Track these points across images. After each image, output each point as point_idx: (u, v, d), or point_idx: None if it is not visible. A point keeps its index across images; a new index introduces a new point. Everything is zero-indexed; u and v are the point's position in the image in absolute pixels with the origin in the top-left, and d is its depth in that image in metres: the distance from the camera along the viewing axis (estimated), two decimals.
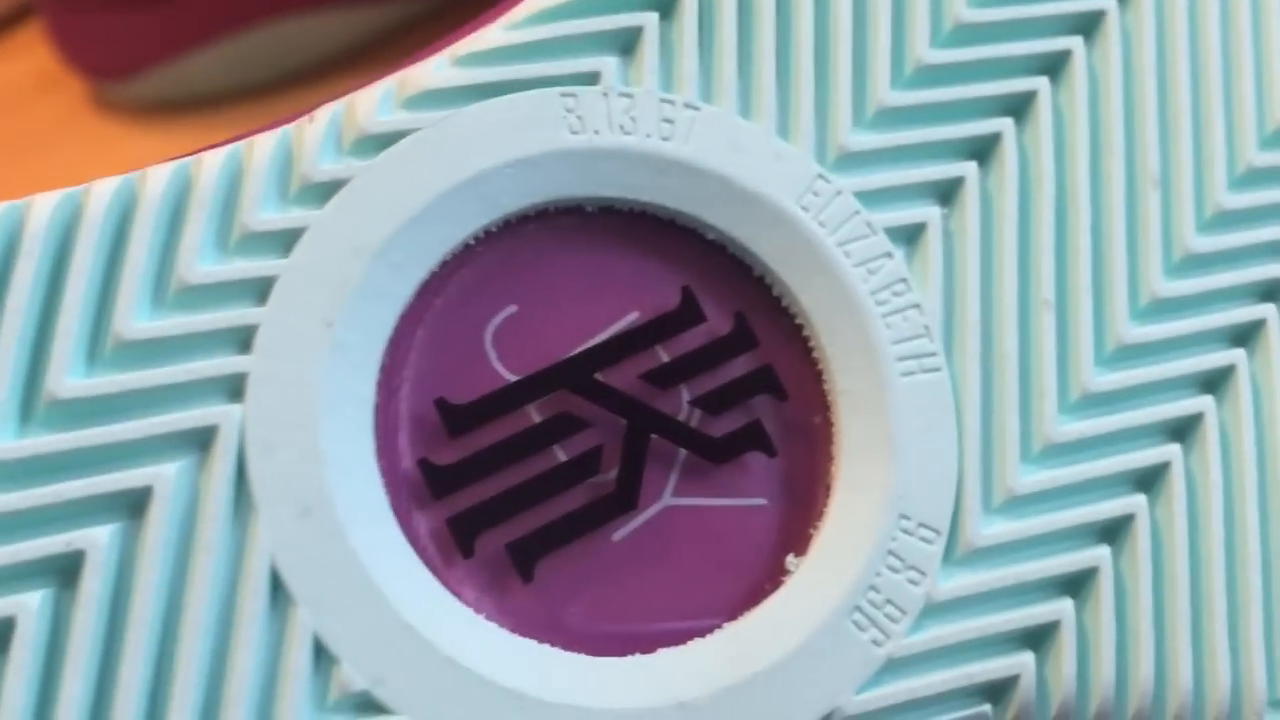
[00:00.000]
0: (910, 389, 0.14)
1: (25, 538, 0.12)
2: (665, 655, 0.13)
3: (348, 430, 0.13)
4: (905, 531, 0.14)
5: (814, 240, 0.15)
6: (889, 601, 0.14)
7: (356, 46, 0.29)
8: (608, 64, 0.15)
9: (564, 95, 0.14)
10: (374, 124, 0.14)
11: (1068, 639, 0.14)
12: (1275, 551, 0.15)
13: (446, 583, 0.13)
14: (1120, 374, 0.15)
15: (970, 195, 0.15)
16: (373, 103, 0.14)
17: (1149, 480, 0.15)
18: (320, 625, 0.12)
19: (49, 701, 0.12)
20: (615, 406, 0.14)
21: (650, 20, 0.15)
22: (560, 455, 0.14)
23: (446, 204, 0.14)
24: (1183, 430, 0.15)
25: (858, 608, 0.14)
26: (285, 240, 0.13)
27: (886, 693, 0.14)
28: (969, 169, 0.15)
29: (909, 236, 0.15)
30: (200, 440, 0.13)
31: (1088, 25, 0.16)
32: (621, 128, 0.14)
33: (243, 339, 0.13)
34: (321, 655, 0.12)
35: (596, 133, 0.14)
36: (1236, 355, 0.15)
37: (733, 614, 0.14)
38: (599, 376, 0.14)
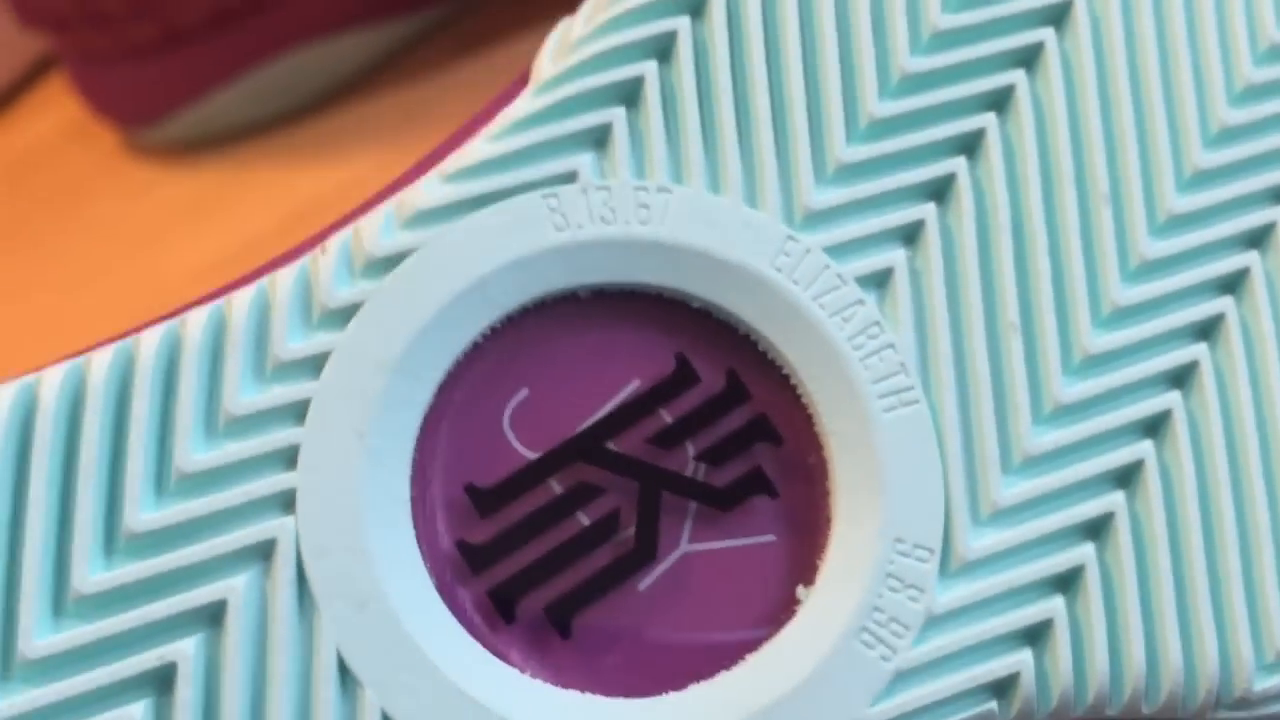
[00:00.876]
0: (893, 423, 0.16)
1: (124, 657, 0.14)
2: (696, 691, 0.15)
3: (389, 526, 0.15)
4: (901, 554, 0.16)
5: (791, 297, 0.16)
6: (893, 620, 0.15)
7: (369, 66, 0.32)
8: (583, 161, 0.16)
9: (546, 196, 0.16)
10: (379, 247, 0.16)
11: (1062, 634, 0.16)
12: (1251, 531, 0.16)
13: (494, 649, 0.15)
14: (1089, 382, 0.17)
15: (931, 234, 0.17)
16: (376, 227, 0.16)
17: (1126, 477, 0.16)
18: (386, 703, 0.14)
19: None
20: (627, 470, 0.16)
21: (618, 114, 0.17)
22: (583, 520, 0.16)
23: (452, 311, 0.16)
24: (1154, 426, 0.17)
25: (865, 628, 0.15)
26: (314, 364, 0.15)
27: (898, 703, 0.15)
28: (928, 210, 0.17)
29: (878, 281, 0.17)
30: (262, 552, 0.15)
31: (1029, 57, 0.18)
32: (602, 219, 0.16)
33: (288, 457, 0.15)
34: None
35: (580, 227, 0.16)
36: (1199, 350, 0.17)
37: (754, 645, 0.16)
38: (610, 445, 0.16)
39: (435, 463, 0.16)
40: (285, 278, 0.16)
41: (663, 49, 0.17)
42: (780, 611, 0.16)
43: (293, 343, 0.15)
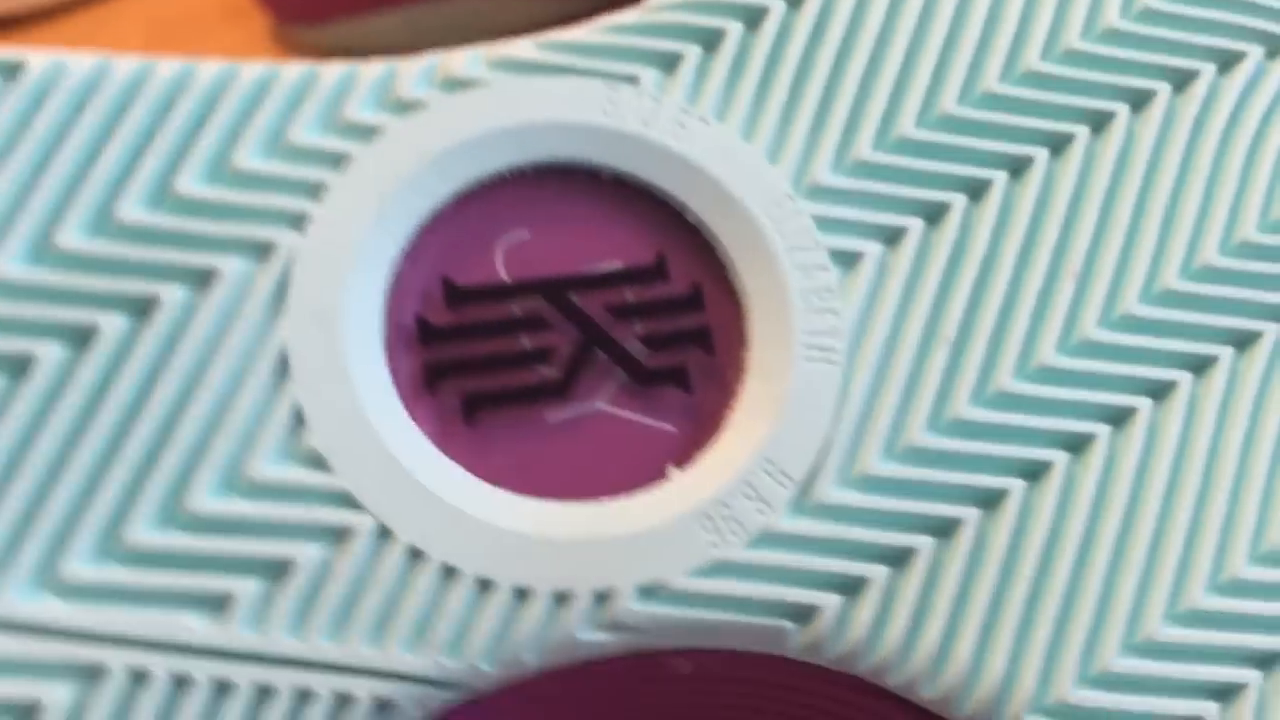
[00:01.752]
0: (810, 371, 0.19)
1: (120, 277, 0.18)
2: (554, 505, 0.18)
3: (370, 274, 0.18)
4: (766, 472, 0.18)
5: (768, 240, 0.19)
6: (734, 519, 0.18)
7: (536, 27, 0.34)
8: (648, 74, 0.20)
9: (607, 86, 0.19)
10: (460, 70, 0.19)
11: (873, 596, 0.18)
12: (1087, 575, 0.18)
13: (408, 408, 0.18)
14: (991, 413, 0.19)
15: (910, 242, 0.20)
16: (465, 56, 0.19)
17: (987, 501, 0.19)
18: (303, 399, 0.18)
19: (102, 396, 0.17)
20: (576, 320, 0.19)
21: (694, 51, 0.20)
22: (525, 343, 0.19)
23: (495, 140, 0.19)
24: (1032, 472, 0.19)
25: (707, 514, 0.18)
26: (369, 134, 0.19)
27: (709, 584, 0.18)
28: (915, 224, 0.20)
29: (847, 261, 0.19)
30: (264, 251, 0.18)
31: (1055, 142, 0.20)
32: (644, 121, 0.19)
33: (317, 192, 0.18)
34: (299, 421, 0.18)
35: (624, 119, 0.19)
36: (1101, 429, 0.19)
37: (615, 496, 0.18)
38: (573, 297, 0.19)
39: (429, 249, 0.19)
40: (376, 65, 0.19)
41: (752, 17, 0.20)
42: (650, 481, 0.19)
43: (363, 112, 0.19)
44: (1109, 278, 0.20)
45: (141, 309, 0.18)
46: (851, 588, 0.18)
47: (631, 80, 0.20)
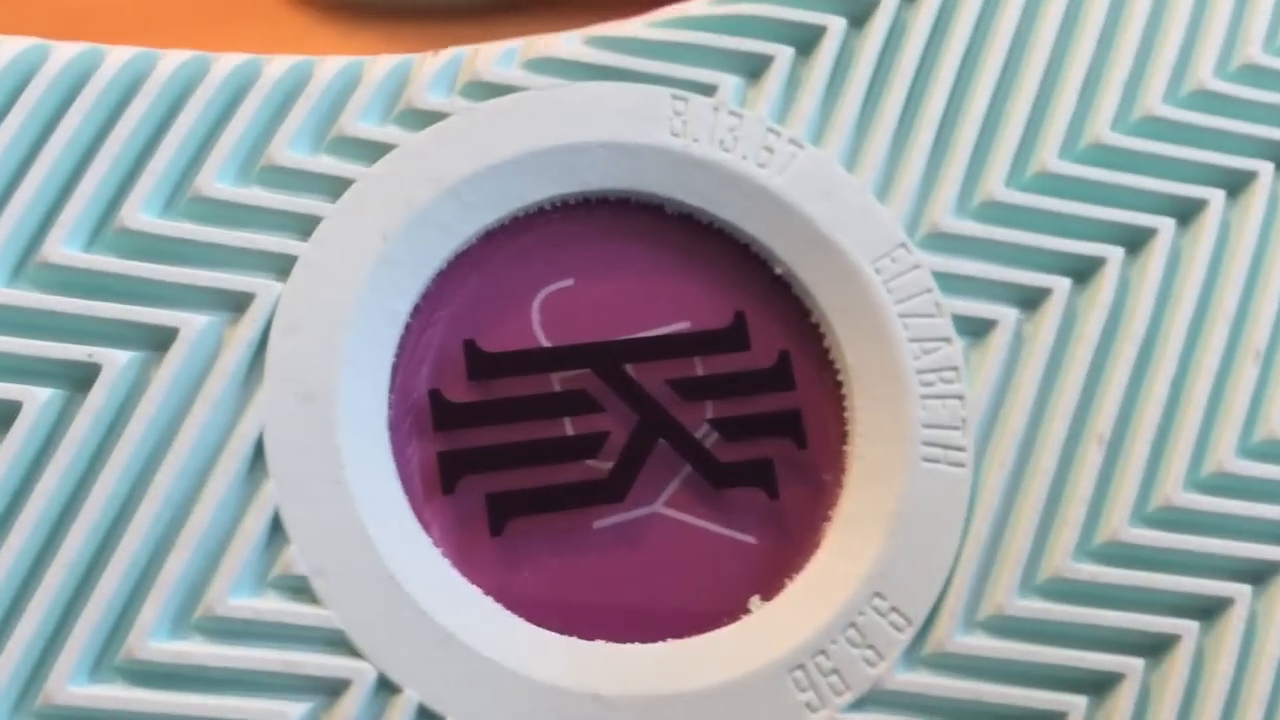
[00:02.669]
0: (928, 475, 0.15)
1: (52, 339, 0.14)
2: (600, 648, 0.14)
3: (371, 338, 0.14)
4: (877, 610, 0.14)
5: (877, 303, 0.15)
6: (836, 671, 0.14)
7: None
8: (728, 82, 0.16)
9: (675, 97, 0.16)
10: (490, 73, 0.15)
11: None
12: None
13: (418, 511, 0.15)
14: (1157, 534, 0.15)
15: (1054, 307, 0.16)
16: (495, 54, 0.16)
17: (1154, 648, 0.15)
18: (284, 504, 0.14)
19: (28, 488, 0.13)
20: (633, 400, 0.15)
21: (785, 53, 0.16)
22: (568, 429, 0.15)
23: (532, 163, 0.15)
24: (1209, 611, 0.15)
25: (801, 666, 0.14)
26: (372, 152, 0.15)
27: None
28: (1060, 283, 0.16)
29: (975, 330, 0.16)
30: (236, 303, 0.14)
31: (1234, 182, 0.17)
32: (721, 143, 0.16)
33: (305, 227, 0.15)
34: (277, 532, 0.14)
35: (695, 140, 0.16)
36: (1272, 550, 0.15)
37: (681, 634, 0.15)
38: (629, 368, 0.15)
39: (448, 305, 0.15)
40: (385, 62, 0.16)
41: (859, 13, 0.17)
42: (725, 614, 0.15)
43: (363, 123, 0.15)
44: None
45: (76, 379, 0.14)
46: None
47: (707, 90, 0.16)
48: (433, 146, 0.15)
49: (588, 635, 0.15)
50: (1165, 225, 0.16)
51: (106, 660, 0.13)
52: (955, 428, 0.15)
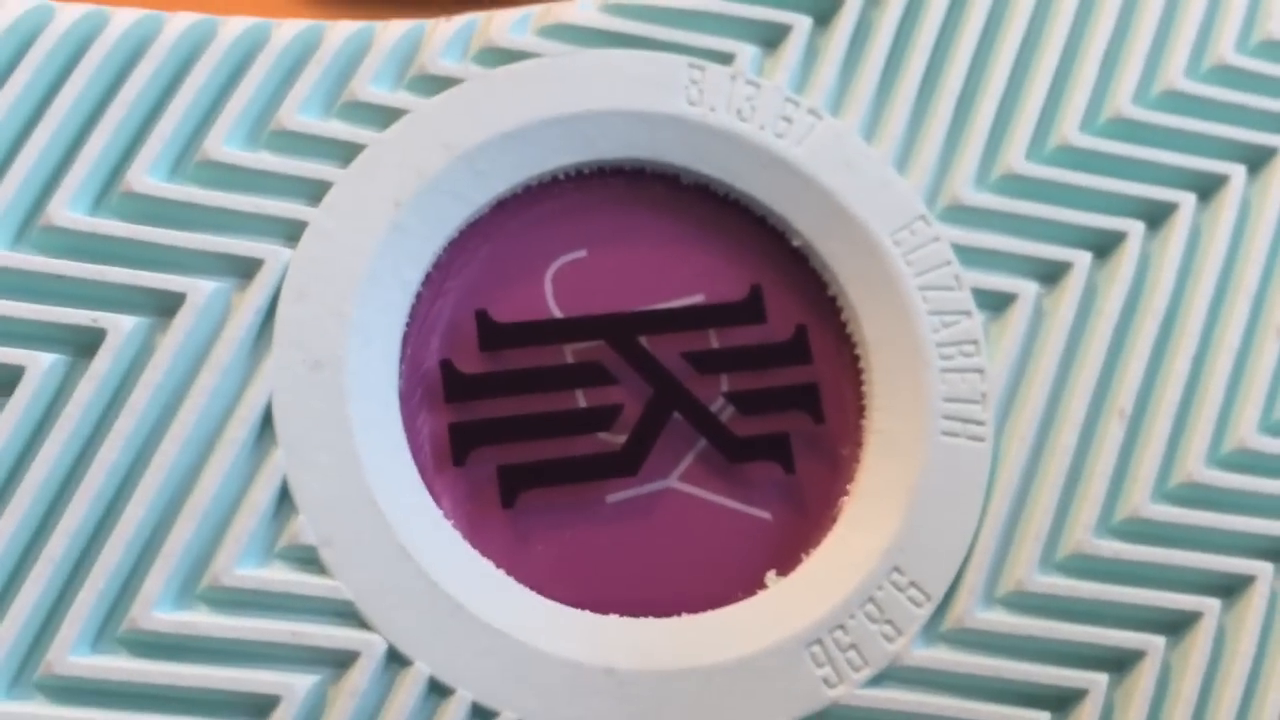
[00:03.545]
0: (947, 450, 0.15)
1: (57, 303, 0.13)
2: (613, 622, 0.14)
3: (382, 306, 0.14)
4: (895, 585, 0.14)
5: (896, 276, 0.15)
6: (854, 647, 0.14)
7: None
8: (745, 51, 0.16)
9: (691, 66, 0.15)
10: (504, 38, 0.15)
11: None
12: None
13: (429, 484, 0.14)
14: (1178, 511, 0.15)
15: (1074, 282, 0.15)
16: (509, 20, 0.15)
17: (1175, 626, 0.15)
18: (292, 473, 0.13)
19: (30, 455, 0.13)
20: (648, 372, 0.15)
21: (802, 23, 0.16)
22: (580, 401, 0.15)
23: (547, 131, 0.15)
24: (1230, 588, 0.15)
25: (818, 641, 0.14)
26: (384, 117, 0.15)
27: None
28: (1081, 257, 0.16)
29: (995, 304, 0.15)
30: (244, 269, 0.14)
31: (1253, 156, 0.16)
32: (739, 112, 0.15)
33: (315, 193, 0.14)
34: (285, 501, 0.13)
35: (712, 110, 0.15)
36: None
37: (695, 610, 0.14)
38: (643, 341, 0.15)
39: (459, 274, 0.15)
40: (397, 27, 0.15)
41: None
42: (740, 590, 0.15)
43: (374, 88, 0.15)
44: None
45: (80, 345, 0.14)
46: None
47: (724, 59, 0.16)
48: (445, 112, 0.15)
49: (600, 609, 0.14)
50: (1187, 200, 0.16)
51: (109, 631, 0.13)
52: (975, 402, 0.15)
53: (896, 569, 0.14)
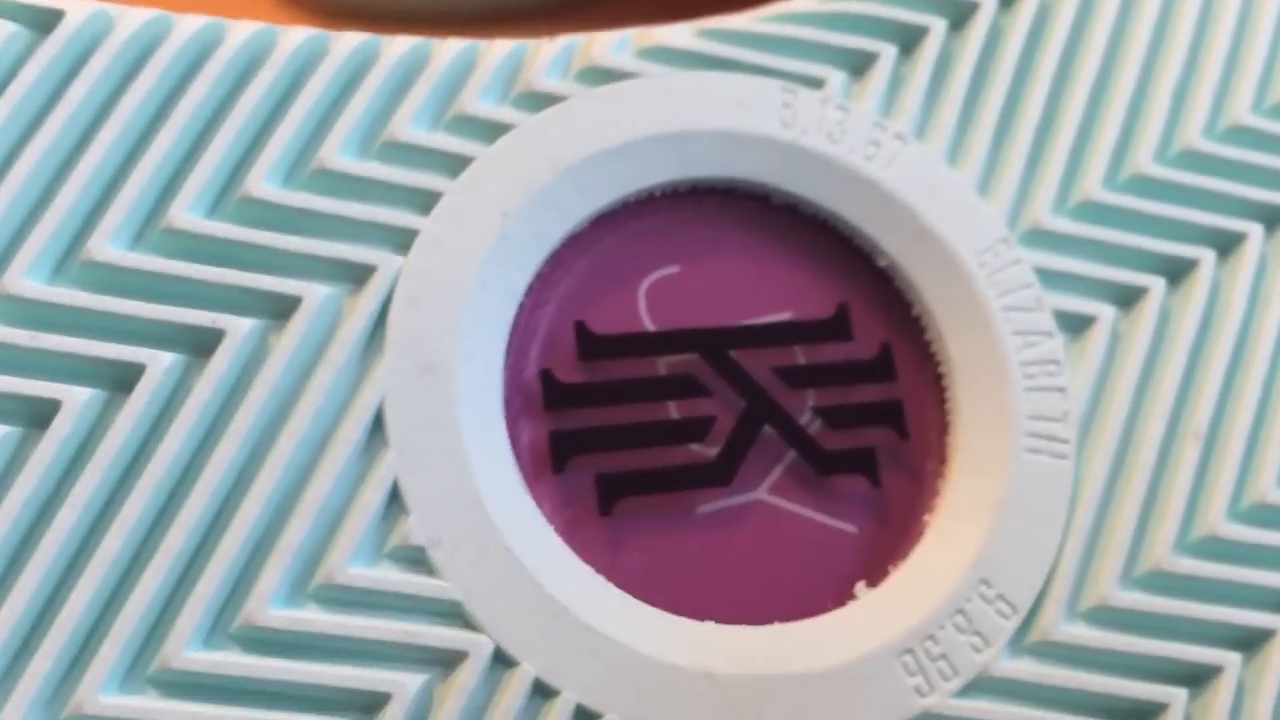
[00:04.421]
0: (1031, 466, 0.15)
1: (175, 304, 0.14)
2: (710, 628, 0.14)
3: (488, 314, 0.14)
4: (983, 597, 0.14)
5: (979, 296, 0.15)
6: (944, 657, 0.14)
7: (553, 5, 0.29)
8: (835, 77, 0.16)
9: (784, 90, 0.16)
10: (605, 58, 0.15)
11: None
12: None
13: (530, 489, 0.14)
14: (1252, 530, 0.15)
15: (1150, 306, 0.16)
16: (610, 41, 0.16)
17: (1246, 643, 0.15)
18: (403, 475, 0.14)
19: (147, 453, 0.13)
20: (739, 386, 0.15)
21: (889, 51, 0.16)
22: (674, 412, 0.15)
23: (647, 148, 0.15)
24: None
25: (910, 651, 0.14)
26: (492, 131, 0.15)
27: None
28: (1156, 283, 0.16)
29: (1075, 326, 0.16)
30: (357, 275, 0.14)
31: None
32: (829, 135, 0.16)
33: (425, 203, 0.15)
34: (395, 502, 0.14)
35: (804, 132, 0.16)
36: None
37: (788, 618, 0.14)
38: (734, 354, 0.15)
39: (559, 285, 0.15)
40: (502, 46, 0.16)
41: (959, 15, 0.17)
42: (831, 600, 0.15)
43: (483, 103, 0.15)
44: None
45: (198, 345, 0.14)
46: None
47: (815, 83, 0.16)
48: (550, 128, 0.15)
49: (695, 616, 0.14)
50: (1254, 230, 0.17)
51: (223, 626, 0.13)
52: (1058, 420, 0.15)
53: (984, 581, 0.15)
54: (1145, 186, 0.16)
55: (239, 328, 0.14)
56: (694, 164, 0.16)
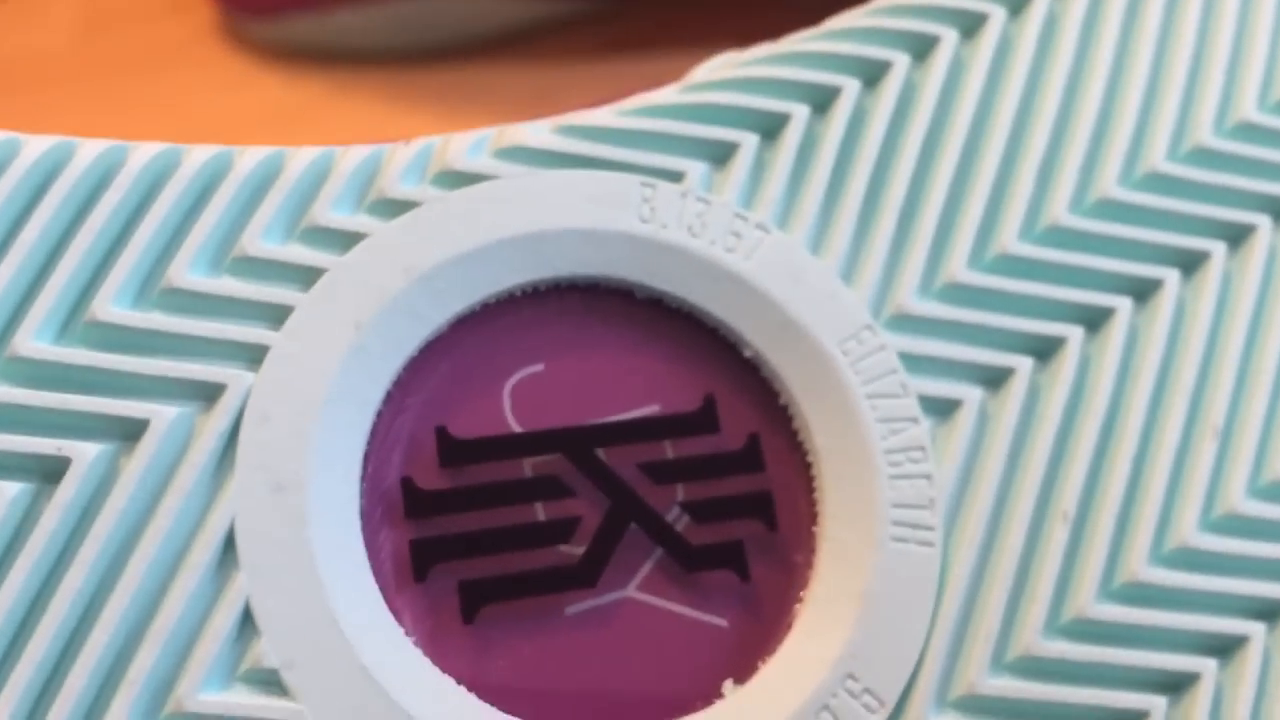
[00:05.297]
0: (897, 555, 0.15)
1: (22, 432, 0.13)
2: None
3: (342, 428, 0.14)
4: (849, 692, 0.14)
5: (844, 384, 0.15)
6: None
7: (502, 35, 0.29)
8: (696, 168, 0.16)
9: (643, 184, 0.16)
10: (461, 161, 0.15)
11: None
12: None
13: (390, 601, 0.14)
14: (1124, 609, 0.15)
15: (1017, 387, 0.16)
16: (466, 143, 0.15)
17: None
18: (255, 596, 0.13)
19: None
20: (605, 484, 0.15)
21: (750, 140, 0.16)
22: (540, 514, 0.15)
23: (504, 250, 0.15)
24: (1174, 685, 0.15)
25: None
26: (344, 242, 0.15)
27: None
28: (1023, 363, 0.16)
29: (941, 410, 0.16)
30: (207, 394, 0.14)
31: (1188, 262, 0.17)
32: (689, 229, 0.16)
33: (278, 317, 0.14)
34: (247, 624, 0.13)
35: (664, 226, 0.16)
36: (1253, 627, 0.15)
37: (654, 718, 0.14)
38: (600, 453, 0.15)
39: (418, 391, 0.15)
40: (357, 152, 0.15)
41: (821, 100, 0.17)
42: (697, 699, 0.15)
43: (335, 213, 0.15)
44: (1256, 431, 0.16)
45: (46, 473, 0.14)
46: None
47: (675, 176, 0.16)
48: (404, 235, 0.15)
49: None
50: (1123, 304, 0.16)
51: None
52: (924, 507, 0.15)
53: (850, 676, 0.14)
54: (1011, 265, 0.16)
55: (85, 454, 0.14)
56: (554, 263, 0.15)
